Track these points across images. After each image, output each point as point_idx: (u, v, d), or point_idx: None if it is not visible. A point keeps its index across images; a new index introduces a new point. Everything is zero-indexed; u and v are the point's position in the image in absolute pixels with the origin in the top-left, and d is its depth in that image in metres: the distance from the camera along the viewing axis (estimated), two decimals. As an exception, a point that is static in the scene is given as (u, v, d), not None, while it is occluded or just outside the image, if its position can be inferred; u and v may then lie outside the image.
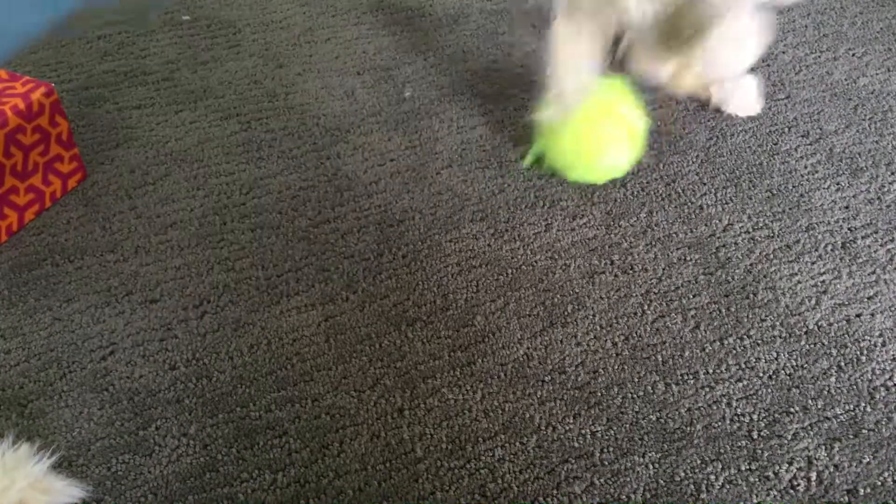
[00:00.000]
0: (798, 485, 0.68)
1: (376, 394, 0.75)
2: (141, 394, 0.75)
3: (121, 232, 0.89)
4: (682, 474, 0.69)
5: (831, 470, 0.69)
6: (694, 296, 0.83)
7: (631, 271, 0.86)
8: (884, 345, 0.79)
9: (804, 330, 0.80)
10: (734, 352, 0.78)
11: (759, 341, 0.79)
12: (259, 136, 1.02)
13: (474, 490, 0.68)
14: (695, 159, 0.98)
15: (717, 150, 1.00)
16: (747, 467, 0.69)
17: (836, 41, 1.16)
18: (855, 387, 0.75)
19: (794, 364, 0.77)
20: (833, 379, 0.76)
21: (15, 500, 0.61)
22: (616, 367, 0.77)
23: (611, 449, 0.71)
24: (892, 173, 0.97)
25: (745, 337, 0.79)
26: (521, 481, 0.69)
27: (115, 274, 0.85)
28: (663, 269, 0.86)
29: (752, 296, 0.83)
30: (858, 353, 0.78)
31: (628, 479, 0.69)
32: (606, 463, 0.70)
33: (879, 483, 0.68)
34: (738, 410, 0.73)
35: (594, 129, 0.92)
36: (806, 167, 0.98)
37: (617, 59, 0.93)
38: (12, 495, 0.61)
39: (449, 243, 0.88)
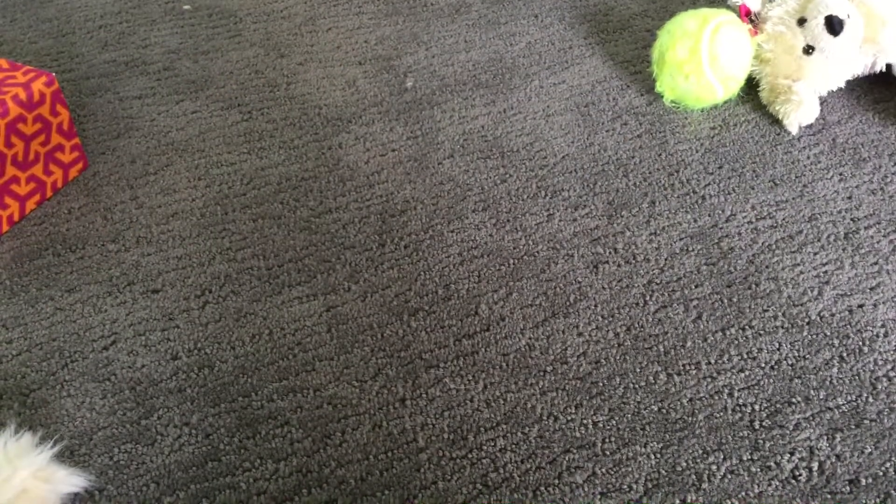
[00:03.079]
0: (800, 475, 0.68)
1: (378, 384, 0.75)
2: (143, 383, 0.75)
3: (122, 222, 0.89)
4: (684, 464, 0.69)
5: (833, 460, 0.69)
6: (696, 286, 0.83)
7: (633, 261, 0.85)
8: (886, 335, 0.78)
9: (806, 320, 0.80)
10: (736, 342, 0.78)
11: (762, 332, 0.79)
12: (260, 127, 1.02)
13: (476, 480, 0.68)
14: (698, 148, 0.98)
15: (721, 140, 1.00)
16: (749, 457, 0.69)
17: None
18: (857, 377, 0.75)
19: (797, 354, 0.77)
20: (835, 369, 0.76)
21: (18, 490, 0.62)
22: (618, 358, 0.77)
23: (613, 439, 0.71)
24: (895, 164, 0.97)
25: (747, 327, 0.79)
26: (522, 471, 0.69)
27: (116, 264, 0.85)
28: (665, 260, 0.86)
29: (754, 286, 0.83)
30: (861, 343, 0.78)
31: (630, 469, 0.69)
32: (608, 453, 0.70)
33: (881, 473, 0.68)
34: (740, 401, 0.73)
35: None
36: (809, 157, 0.97)
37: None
38: (15, 484, 0.62)
39: (451, 233, 0.88)
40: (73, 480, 0.66)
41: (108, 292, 0.82)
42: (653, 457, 0.70)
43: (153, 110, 1.04)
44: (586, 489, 0.68)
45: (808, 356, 0.77)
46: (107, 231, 0.88)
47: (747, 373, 0.76)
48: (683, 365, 0.76)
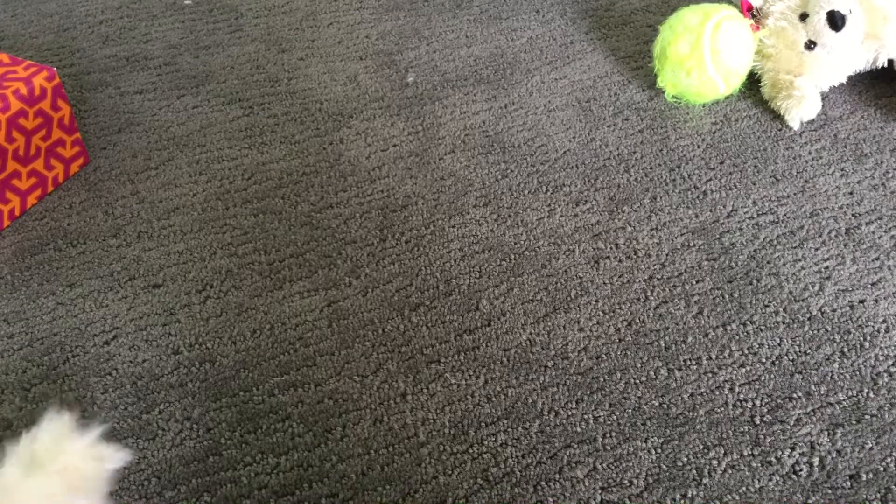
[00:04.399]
0: (800, 470, 0.68)
1: (379, 378, 0.75)
2: (144, 378, 0.75)
3: (123, 217, 0.89)
4: (685, 459, 0.69)
5: (834, 455, 0.69)
6: (697, 281, 0.83)
7: (634, 257, 0.85)
8: (887, 331, 0.78)
9: (808, 316, 0.80)
10: (737, 337, 0.78)
11: (763, 327, 0.79)
12: (261, 122, 1.01)
13: (477, 474, 0.68)
14: (700, 144, 0.98)
15: (722, 135, 0.99)
16: (749, 452, 0.69)
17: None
18: (858, 373, 0.75)
19: (798, 350, 0.77)
20: (836, 365, 0.76)
21: (69, 466, 0.61)
22: (619, 353, 0.77)
23: (613, 434, 0.71)
24: (897, 159, 0.97)
25: (748, 323, 0.79)
26: (523, 466, 0.69)
27: (117, 259, 0.85)
28: (667, 255, 0.86)
29: (755, 282, 0.83)
30: (862, 338, 0.78)
31: (631, 464, 0.69)
32: (609, 448, 0.70)
33: (882, 468, 0.69)
34: (741, 396, 0.73)
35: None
36: (810, 153, 0.97)
37: None
38: (66, 461, 0.61)
39: (452, 228, 0.88)
40: (120, 456, 0.65)
41: (109, 287, 0.82)
42: (653, 452, 0.70)
43: (154, 105, 1.03)
44: (587, 484, 0.68)
45: (809, 351, 0.77)
46: (108, 226, 0.88)
47: (748, 368, 0.76)
48: (684, 360, 0.76)
